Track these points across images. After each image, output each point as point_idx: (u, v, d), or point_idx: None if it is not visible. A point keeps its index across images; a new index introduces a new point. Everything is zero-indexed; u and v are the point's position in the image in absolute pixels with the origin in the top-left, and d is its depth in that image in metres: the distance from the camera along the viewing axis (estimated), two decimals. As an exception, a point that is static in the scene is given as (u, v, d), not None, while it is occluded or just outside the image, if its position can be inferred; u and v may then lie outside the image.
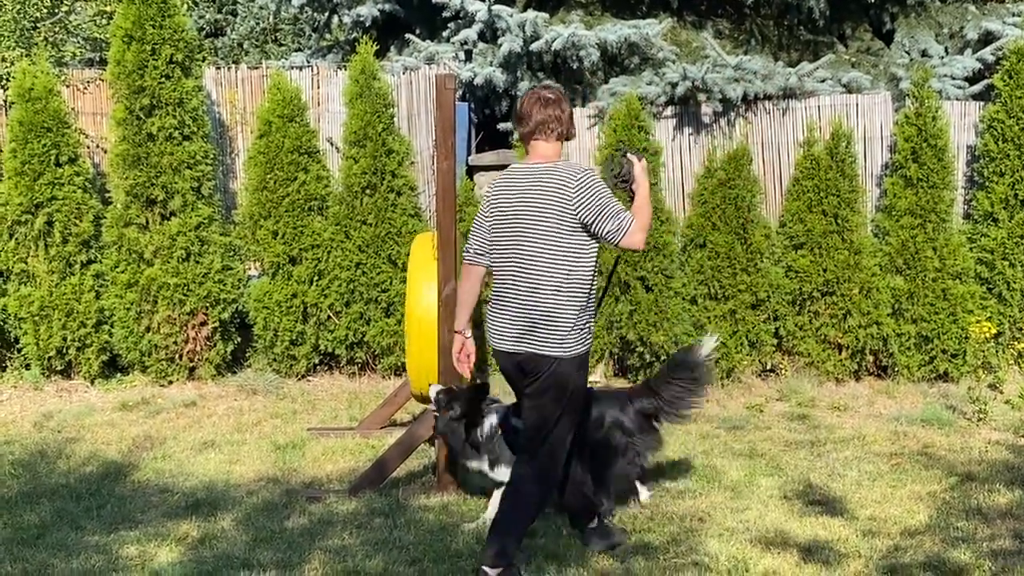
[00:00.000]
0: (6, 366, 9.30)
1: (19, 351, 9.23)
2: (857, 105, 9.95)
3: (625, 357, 9.23)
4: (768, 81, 9.93)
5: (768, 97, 9.98)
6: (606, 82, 10.52)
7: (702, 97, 9.88)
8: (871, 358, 9.24)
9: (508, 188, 5.20)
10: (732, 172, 9.17)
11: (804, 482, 6.55)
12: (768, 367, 9.31)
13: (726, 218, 9.12)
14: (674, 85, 9.88)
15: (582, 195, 5.00)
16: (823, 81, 10.26)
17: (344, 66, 11.01)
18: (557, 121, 5.17)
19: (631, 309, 8.98)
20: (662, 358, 9.01)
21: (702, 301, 9.16)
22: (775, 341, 9.25)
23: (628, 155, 5.42)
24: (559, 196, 5.02)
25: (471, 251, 5.28)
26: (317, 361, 9.46)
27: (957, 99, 9.93)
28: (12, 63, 10.43)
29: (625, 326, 9.01)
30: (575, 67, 10.46)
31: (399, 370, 9.34)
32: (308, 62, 12.10)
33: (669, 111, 10.03)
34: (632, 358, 9.14)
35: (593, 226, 5.00)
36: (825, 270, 9.11)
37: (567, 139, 5.27)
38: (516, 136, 10.31)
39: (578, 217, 5.00)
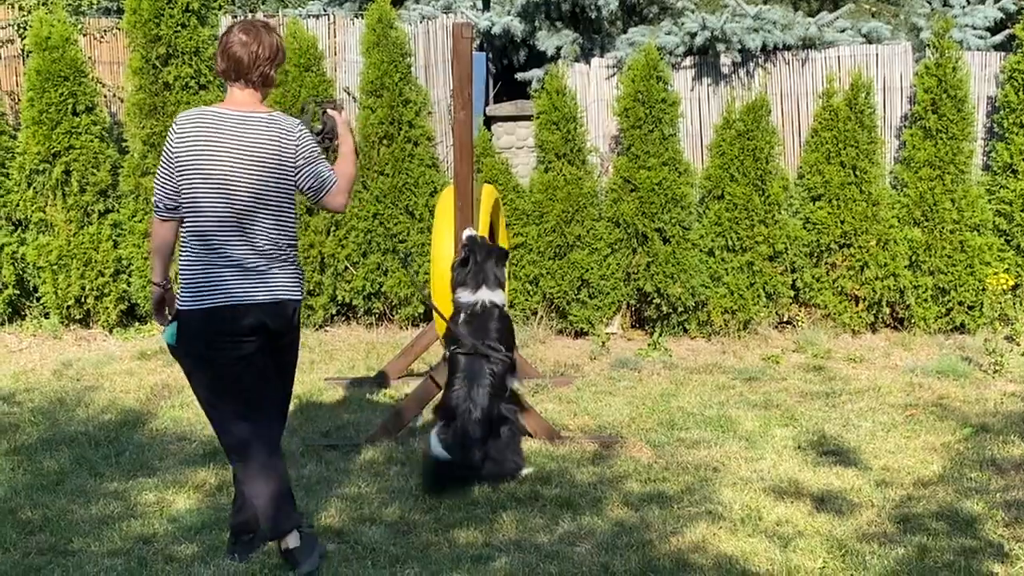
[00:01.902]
0: (25, 315, 9.37)
1: (38, 300, 9.30)
2: (877, 55, 9.85)
3: (642, 309, 9.23)
4: (788, 31, 9.84)
5: (787, 47, 9.90)
6: (624, 32, 10.44)
7: (721, 47, 9.80)
8: (888, 310, 9.22)
9: (218, 134, 4.63)
10: (751, 123, 9.12)
11: (818, 432, 6.56)
12: (785, 319, 9.31)
13: (744, 169, 9.08)
14: (693, 35, 9.80)
15: (300, 148, 4.67)
16: (843, 31, 10.16)
17: (361, 15, 10.94)
18: (243, 64, 4.67)
19: (648, 260, 8.98)
20: (679, 310, 9.01)
21: (719, 253, 9.14)
22: (792, 293, 9.24)
23: (328, 110, 5.08)
24: (276, 149, 4.64)
25: (162, 205, 4.71)
26: (334, 312, 9.50)
27: (978, 49, 9.82)
28: (29, 12, 10.41)
29: (642, 277, 9.00)
30: (593, 16, 10.37)
31: (416, 320, 9.38)
32: (324, 11, 12.02)
33: (688, 61, 9.96)
34: (649, 310, 9.14)
35: (299, 181, 4.70)
36: (843, 222, 9.08)
37: (267, 84, 4.76)
38: (532, 87, 10.27)
39: (295, 169, 4.67)
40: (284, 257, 4.72)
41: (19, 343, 8.95)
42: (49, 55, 8.97)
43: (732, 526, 5.12)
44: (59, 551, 4.84)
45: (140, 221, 9.00)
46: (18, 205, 9.14)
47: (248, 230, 4.63)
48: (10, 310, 9.34)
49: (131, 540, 4.96)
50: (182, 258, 4.66)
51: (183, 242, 4.68)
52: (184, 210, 4.65)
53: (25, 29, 10.35)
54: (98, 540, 4.96)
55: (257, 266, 4.64)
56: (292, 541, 4.63)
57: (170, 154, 4.66)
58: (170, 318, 4.77)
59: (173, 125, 4.71)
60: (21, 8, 10.71)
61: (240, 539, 4.83)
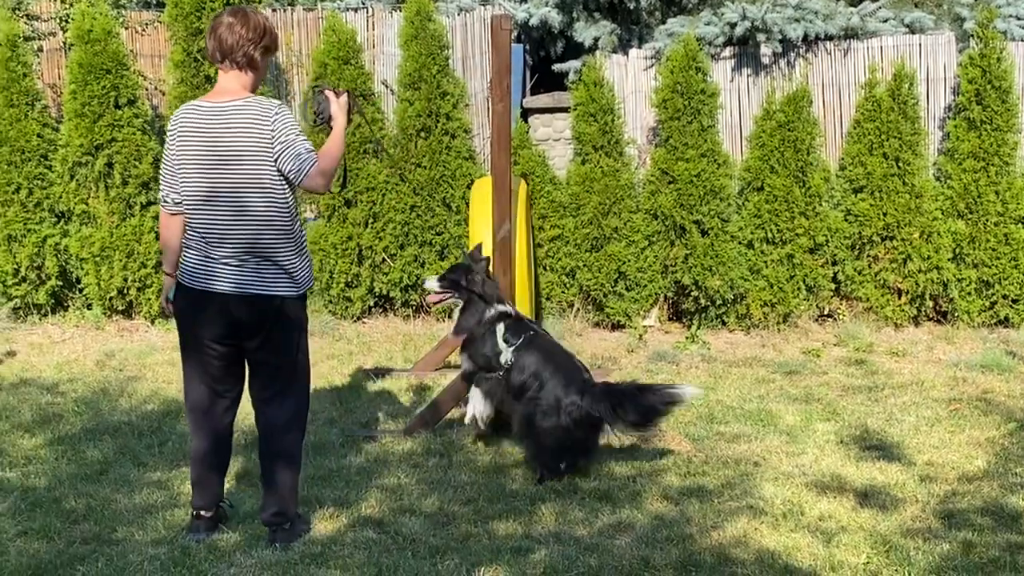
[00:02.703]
0: (68, 306, 9.45)
1: (81, 291, 9.37)
2: (920, 46, 9.78)
3: (680, 301, 9.19)
4: (829, 21, 9.78)
5: (829, 37, 9.84)
6: (663, 23, 10.41)
7: (761, 37, 9.76)
8: (931, 303, 9.14)
9: (201, 124, 4.74)
10: (791, 114, 9.05)
11: (861, 427, 6.51)
12: (826, 312, 9.25)
13: (784, 161, 9.01)
14: (733, 25, 9.76)
15: (277, 131, 4.66)
16: (885, 21, 10.10)
17: (399, 7, 10.96)
18: (220, 52, 4.77)
19: (686, 253, 8.94)
20: (717, 302, 8.97)
21: (759, 245, 9.08)
22: (833, 286, 9.17)
23: (325, 92, 5.06)
24: (255, 135, 4.67)
25: (167, 198, 4.86)
26: (372, 303, 9.52)
27: (1022, 40, 9.71)
28: (71, 5, 10.50)
29: (680, 270, 8.97)
30: (632, 7, 10.36)
31: (453, 313, 9.36)
32: (363, 3, 12.07)
33: (727, 52, 9.92)
34: (687, 302, 9.10)
35: (279, 164, 4.68)
36: (885, 214, 9.00)
37: (252, 66, 4.81)
38: (570, 78, 10.24)
39: (274, 152, 4.67)
40: (276, 247, 4.75)
41: (62, 334, 9.03)
42: (91, 48, 9.03)
43: (774, 521, 5.08)
44: (103, 540, 4.88)
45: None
46: (61, 197, 9.22)
47: (234, 222, 4.71)
48: (53, 301, 9.42)
49: (174, 529, 4.99)
50: (183, 242, 4.86)
51: (187, 224, 4.84)
52: (183, 195, 4.79)
53: (67, 22, 10.46)
54: (141, 529, 4.99)
55: (243, 260, 4.72)
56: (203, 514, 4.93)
57: (168, 150, 4.82)
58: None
59: (169, 122, 4.87)
60: (63, 1, 10.81)
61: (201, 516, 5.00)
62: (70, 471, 5.79)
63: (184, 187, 4.77)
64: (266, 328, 4.79)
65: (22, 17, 10.71)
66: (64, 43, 10.84)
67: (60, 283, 9.36)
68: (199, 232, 4.76)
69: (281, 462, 4.91)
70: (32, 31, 10.85)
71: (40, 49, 10.96)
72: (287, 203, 4.76)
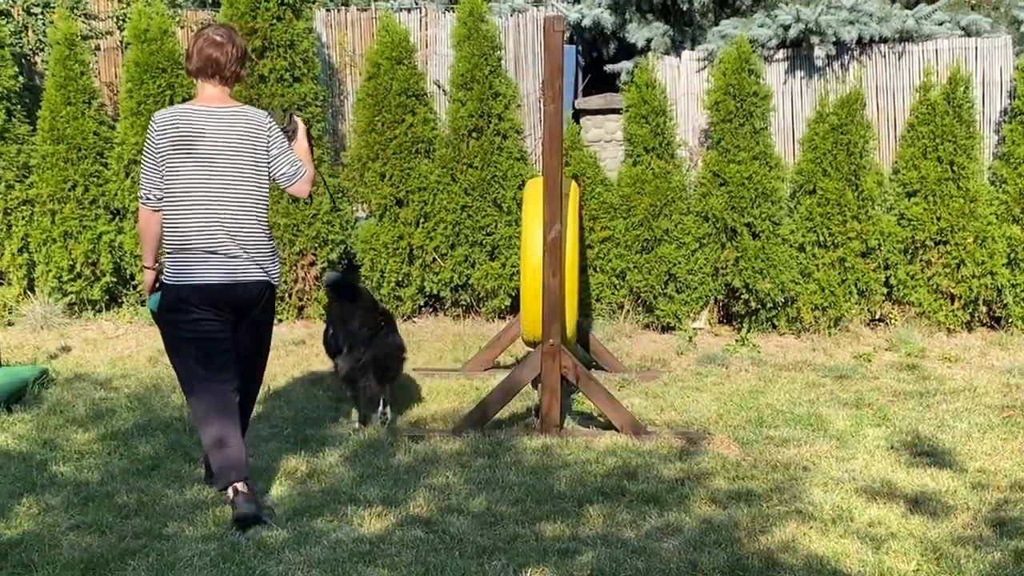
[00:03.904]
0: (122, 302, 9.57)
1: (134, 288, 9.49)
2: (976, 49, 9.67)
3: (730, 304, 9.16)
4: (884, 23, 9.70)
5: (883, 40, 9.76)
6: (716, 24, 10.37)
7: (815, 40, 9.69)
8: (984, 308, 9.03)
9: (193, 128, 5.15)
10: (844, 117, 8.98)
11: (912, 433, 6.45)
12: (877, 316, 9.17)
13: (837, 164, 8.94)
14: (787, 27, 9.70)
15: (271, 138, 5.25)
16: (941, 24, 9.99)
17: (452, 8, 10.99)
18: (218, 64, 5.22)
19: (737, 256, 8.89)
20: (767, 305, 8.92)
21: (810, 248, 9.02)
22: (885, 290, 9.09)
23: (294, 116, 5.54)
24: (248, 139, 5.19)
25: (149, 196, 5.19)
26: (422, 303, 9.56)
27: (1083, 43, 9.59)
28: (128, 4, 10.63)
29: (731, 272, 8.93)
30: (685, 8, 10.34)
31: (503, 313, 9.40)
32: (416, 4, 12.12)
33: (781, 54, 9.86)
34: (737, 305, 9.06)
35: (273, 167, 5.26)
36: (939, 218, 8.91)
37: (237, 80, 5.33)
38: (622, 79, 10.21)
39: (269, 156, 5.25)
40: (257, 242, 5.22)
41: (116, 330, 9.15)
42: (147, 47, 9.14)
43: (823, 526, 5.05)
44: (154, 535, 4.94)
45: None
46: (116, 194, 9.34)
47: (225, 216, 5.14)
48: (107, 297, 9.55)
49: (223, 526, 5.04)
50: (167, 238, 5.19)
51: (168, 225, 5.17)
52: (167, 199, 5.15)
53: (124, 21, 10.59)
54: (192, 525, 5.05)
55: (230, 251, 5.14)
56: (240, 487, 5.07)
57: (153, 149, 5.16)
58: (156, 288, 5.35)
59: (152, 123, 5.21)
60: (121, 1, 10.94)
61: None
62: (122, 466, 5.86)
63: (173, 183, 5.14)
64: (253, 312, 5.27)
65: (80, 16, 10.86)
66: (121, 42, 10.98)
67: (114, 279, 9.48)
68: (186, 225, 5.13)
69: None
70: (89, 30, 11.00)
71: (97, 48, 11.10)
72: (266, 200, 5.30)
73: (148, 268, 5.40)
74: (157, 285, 5.33)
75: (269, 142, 5.26)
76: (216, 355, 5.18)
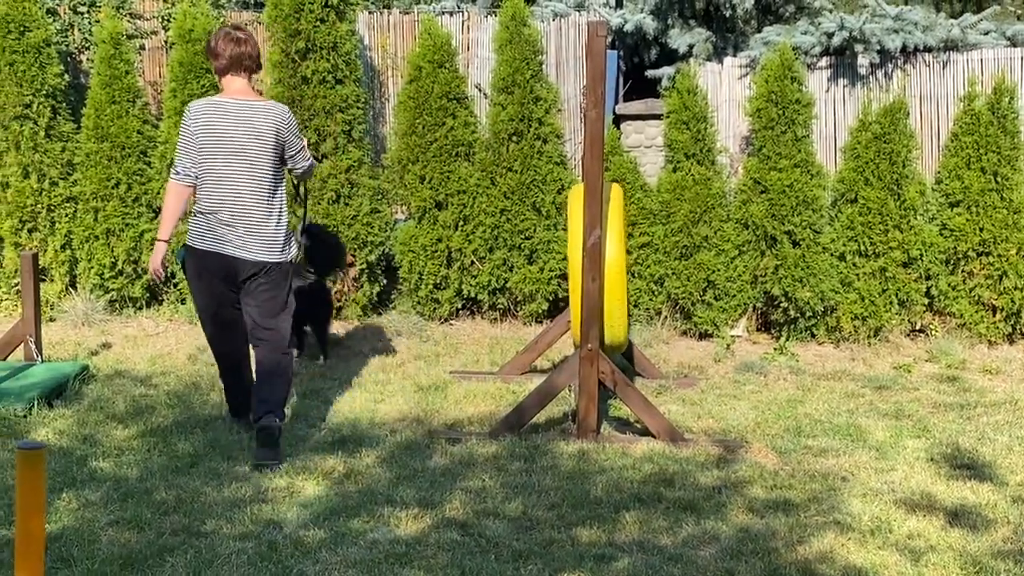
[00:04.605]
0: (163, 300, 9.64)
1: (175, 286, 9.55)
2: (1022, 59, 9.56)
3: (769, 312, 9.11)
4: (929, 32, 9.63)
5: (928, 49, 9.69)
6: (759, 31, 10.33)
7: (859, 48, 9.64)
8: (1027, 321, 8.94)
9: (225, 118, 6.05)
10: (887, 126, 8.91)
11: (952, 445, 6.39)
12: (918, 327, 9.09)
13: (879, 173, 8.88)
14: (830, 35, 9.65)
15: (291, 131, 6.22)
16: (986, 33, 9.91)
17: (494, 12, 11.01)
18: (249, 58, 6.18)
19: (777, 264, 8.85)
20: (807, 314, 8.87)
21: (851, 257, 8.96)
22: (926, 301, 9.01)
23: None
24: (271, 130, 6.09)
25: (185, 174, 6.08)
26: (460, 306, 9.57)
27: None
28: (173, 4, 10.72)
29: (770, 280, 8.88)
30: (728, 15, 10.30)
31: (540, 317, 9.40)
32: (458, 7, 12.15)
33: (824, 62, 9.81)
34: (776, 313, 9.01)
35: (289, 161, 6.28)
36: (982, 229, 8.82)
37: (257, 71, 6.29)
38: (663, 85, 10.19)
39: (288, 147, 6.22)
40: (267, 219, 6.10)
41: (156, 327, 9.22)
42: (192, 47, 9.21)
43: (861, 537, 5.02)
44: (192, 532, 4.97)
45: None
46: (159, 193, 9.41)
47: (247, 196, 6.05)
48: (148, 295, 9.63)
49: (261, 524, 5.07)
50: (196, 207, 6.13)
51: (199, 197, 6.09)
52: (200, 173, 6.05)
53: (169, 21, 10.68)
54: (230, 523, 5.08)
55: (248, 228, 6.04)
56: (265, 421, 5.99)
57: (190, 134, 6.05)
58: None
59: (188, 111, 6.09)
60: (166, 1, 11.04)
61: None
62: (161, 463, 5.91)
63: (206, 165, 6.03)
64: (257, 279, 6.14)
65: (125, 16, 10.96)
66: (165, 42, 11.06)
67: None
68: (213, 202, 6.05)
69: None
70: (135, 29, 11.10)
71: (142, 47, 11.20)
72: (283, 185, 6.27)
73: (162, 240, 6.24)
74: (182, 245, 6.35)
75: (289, 136, 6.19)
76: (215, 302, 6.21)
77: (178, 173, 6.09)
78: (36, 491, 2.94)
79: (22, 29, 9.39)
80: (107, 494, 5.40)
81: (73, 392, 7.15)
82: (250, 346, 6.38)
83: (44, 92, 9.47)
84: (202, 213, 6.10)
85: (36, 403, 6.73)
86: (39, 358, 7.70)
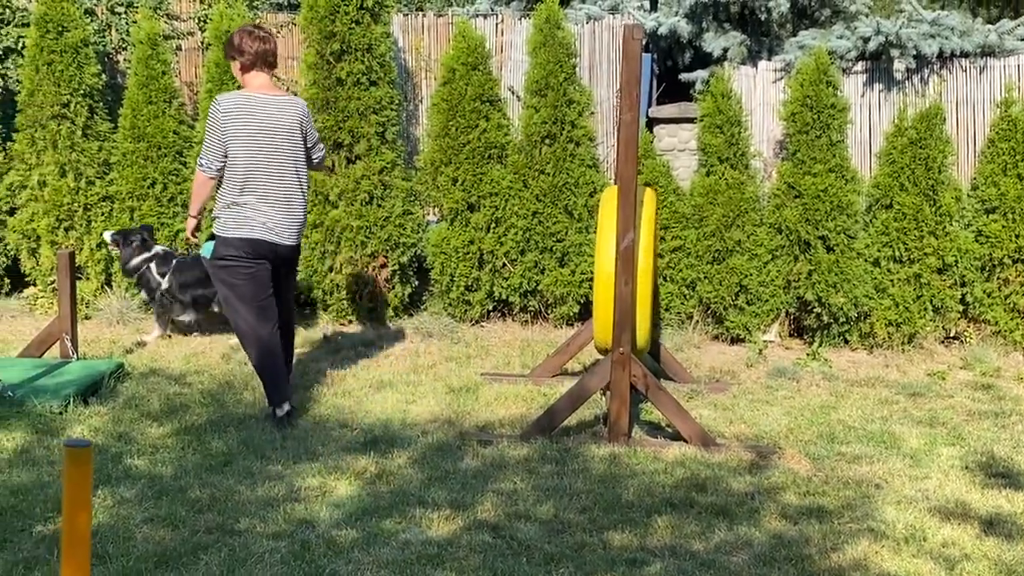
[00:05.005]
0: (196, 299, 9.68)
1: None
2: (1061, 65, 9.49)
3: (802, 317, 9.07)
4: (966, 38, 9.57)
5: (965, 54, 9.63)
6: (794, 35, 10.29)
7: (895, 53, 9.59)
8: (1063, 329, 8.86)
9: (258, 112, 6.49)
10: (923, 131, 8.85)
11: (987, 453, 6.35)
12: (952, 334, 9.03)
13: (915, 179, 8.82)
14: (866, 40, 9.61)
15: (310, 124, 6.79)
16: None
17: (528, 14, 11.02)
18: (272, 55, 6.64)
19: (810, 269, 8.81)
20: (840, 320, 8.83)
21: (885, 263, 8.91)
22: (961, 308, 8.95)
23: None
24: (298, 122, 6.62)
25: (212, 167, 6.49)
26: (491, 307, 9.58)
27: None
28: (210, 5, 10.78)
29: (803, 286, 8.84)
30: (763, 18, 10.26)
31: (571, 320, 9.39)
32: (492, 10, 12.16)
33: (859, 66, 9.76)
34: (809, 318, 8.97)
35: (308, 146, 6.78)
36: (1018, 236, 8.76)
37: (274, 69, 6.73)
38: (696, 88, 10.17)
39: (308, 139, 6.74)
40: (299, 207, 6.67)
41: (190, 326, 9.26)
42: (228, 49, 9.25)
43: (895, 545, 4.99)
44: (226, 530, 5.00)
45: (309, 212, 9.22)
46: (193, 193, 9.47)
47: (286, 186, 6.56)
48: (181, 294, 9.68)
49: (294, 523, 5.09)
50: (228, 200, 6.50)
51: (230, 189, 6.49)
52: (230, 169, 6.45)
53: (206, 22, 10.74)
54: (263, 521, 5.10)
55: (287, 215, 6.58)
56: (286, 408, 6.59)
57: (221, 127, 6.42)
58: (206, 239, 6.73)
59: (217, 107, 6.44)
60: (202, 2, 11.10)
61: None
62: (195, 461, 5.94)
63: (244, 158, 6.43)
64: (292, 262, 6.86)
65: (162, 16, 11.03)
66: (202, 43, 11.14)
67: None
68: (256, 193, 6.48)
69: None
70: (171, 30, 11.18)
71: (178, 48, 11.28)
72: (305, 172, 6.76)
73: (193, 216, 6.82)
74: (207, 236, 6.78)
75: (309, 127, 6.74)
76: (260, 289, 6.58)
77: (208, 168, 6.52)
78: (83, 488, 2.97)
79: (60, 29, 9.48)
80: (142, 491, 5.44)
81: (108, 390, 7.20)
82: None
83: (82, 92, 9.55)
84: (240, 205, 6.48)
85: (72, 400, 6.79)
86: (75, 356, 7.76)
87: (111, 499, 5.32)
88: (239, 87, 6.83)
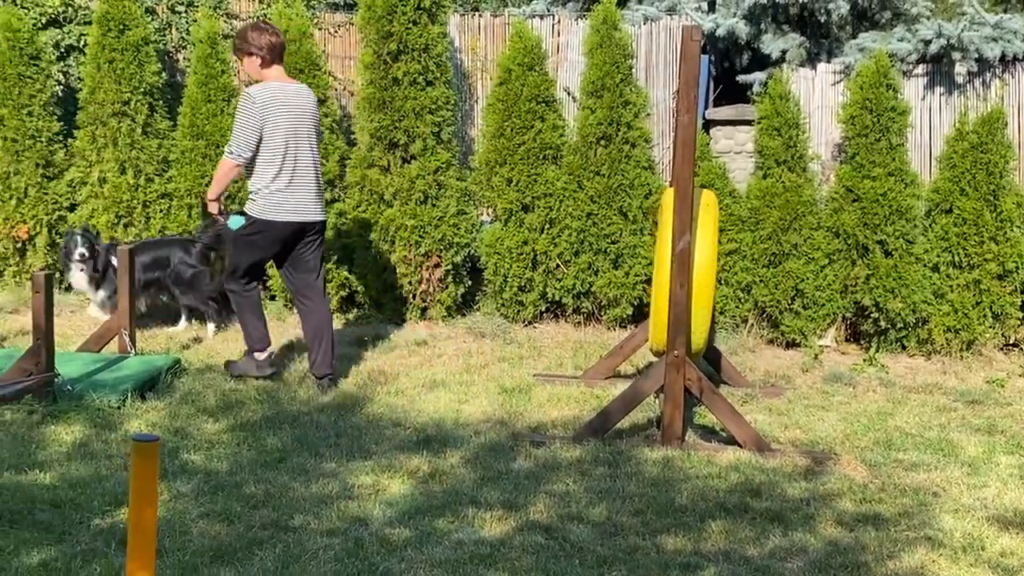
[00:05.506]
0: (252, 296, 9.75)
1: (264, 283, 9.67)
2: None
3: (858, 322, 8.97)
4: (1029, 41, 9.42)
5: (1028, 58, 9.47)
6: (854, 37, 10.19)
7: (956, 56, 9.46)
8: None
9: (289, 101, 7.05)
10: (985, 135, 8.73)
11: (1047, 463, 6.25)
12: (1011, 341, 8.90)
13: (976, 183, 8.70)
14: (927, 42, 9.49)
15: (317, 110, 7.40)
16: (1090, 42, 9.67)
17: (584, 15, 11.00)
18: (283, 47, 7.21)
19: (868, 273, 8.72)
20: (897, 325, 8.73)
21: (944, 269, 8.79)
22: (1021, 314, 8.82)
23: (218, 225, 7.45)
24: (315, 107, 7.29)
25: (243, 156, 6.97)
26: (544, 308, 9.57)
27: None
28: (269, 5, 10.86)
29: (861, 290, 8.75)
30: (823, 20, 10.16)
31: (624, 322, 9.36)
32: (549, 10, 12.15)
33: (920, 69, 9.65)
34: (866, 324, 8.88)
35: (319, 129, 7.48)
36: (1081, 242, 8.61)
37: (283, 61, 7.24)
38: (754, 90, 10.10)
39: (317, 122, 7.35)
40: (320, 184, 7.32)
41: (245, 323, 9.33)
42: (287, 48, 9.31)
43: (952, 554, 4.92)
44: (281, 526, 5.03)
45: (364, 211, 9.27)
46: (250, 191, 9.55)
47: (315, 165, 7.21)
48: (237, 291, 9.75)
49: (347, 521, 5.12)
50: (264, 184, 7.02)
51: (266, 174, 7.01)
52: (267, 155, 6.98)
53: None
54: (317, 518, 5.13)
55: (317, 191, 7.23)
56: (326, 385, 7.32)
57: (259, 117, 6.90)
58: (233, 215, 7.33)
59: (254, 97, 6.90)
60: (262, 1, 11.19)
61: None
62: (250, 457, 5.99)
63: (282, 144, 6.97)
64: (321, 231, 7.39)
65: (222, 16, 11.14)
66: (260, 42, 11.21)
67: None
68: (296, 175, 7.07)
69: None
70: (231, 29, 11.28)
71: (237, 47, 11.36)
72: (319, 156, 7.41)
73: (213, 200, 7.24)
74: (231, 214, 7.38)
75: (318, 112, 7.36)
76: (265, 259, 7.35)
77: (238, 156, 6.99)
78: (149, 482, 3.00)
79: (122, 28, 9.60)
80: (198, 486, 5.49)
81: (165, 385, 7.28)
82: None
83: (142, 90, 9.67)
84: (275, 190, 7.04)
85: (129, 395, 6.87)
86: (133, 351, 7.85)
87: (168, 493, 5.37)
88: (255, 82, 7.28)
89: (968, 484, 5.87)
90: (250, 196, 7.18)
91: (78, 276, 8.82)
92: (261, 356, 7.46)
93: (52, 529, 4.90)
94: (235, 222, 7.24)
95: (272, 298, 9.62)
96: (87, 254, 8.67)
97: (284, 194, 7.08)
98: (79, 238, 8.70)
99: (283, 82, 7.13)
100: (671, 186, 6.65)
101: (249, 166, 7.08)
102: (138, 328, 8.35)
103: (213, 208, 7.30)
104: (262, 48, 7.02)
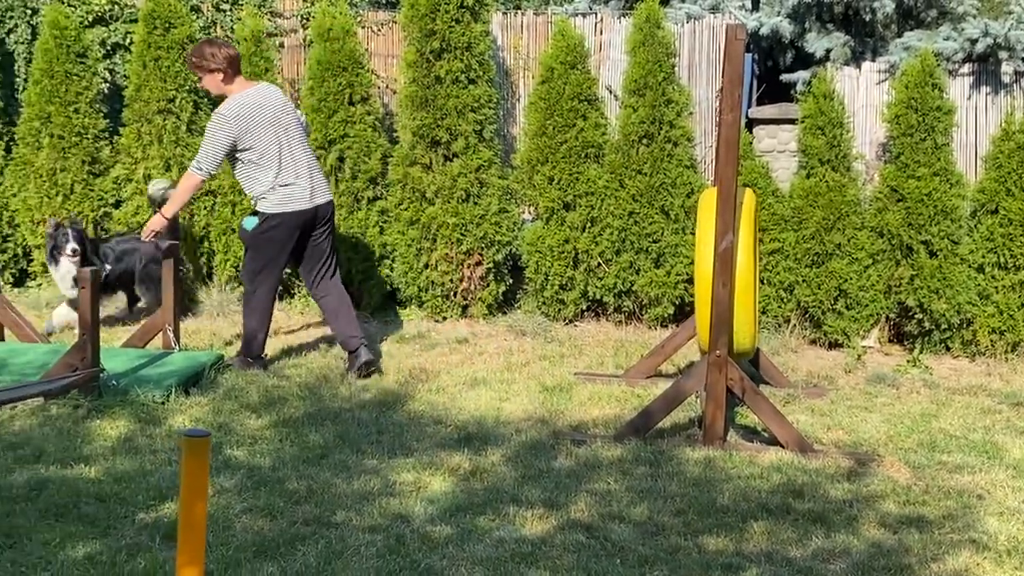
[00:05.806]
0: (295, 293, 9.82)
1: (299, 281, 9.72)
2: None
3: (902, 323, 8.90)
4: (1078, 40, 9.31)
5: (1077, 57, 9.36)
6: (899, 36, 10.10)
7: (1003, 55, 9.37)
8: None
9: (262, 103, 7.29)
10: (1032, 135, 8.63)
11: (1095, 467, 6.17)
12: (1059, 343, 8.79)
13: (1022, 184, 8.61)
14: (973, 41, 9.40)
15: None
16: None
17: (627, 13, 10.97)
18: (239, 57, 7.41)
19: (912, 274, 8.64)
20: (942, 326, 8.65)
21: (990, 270, 8.70)
22: (1068, 316, 8.71)
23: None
24: (286, 98, 7.55)
25: (211, 172, 7.30)
26: (585, 307, 9.56)
27: None
28: (313, 3, 10.92)
29: (905, 291, 8.68)
30: (867, 19, 10.09)
31: (666, 321, 9.33)
32: (591, 9, 12.13)
33: (966, 68, 9.56)
34: (909, 324, 8.81)
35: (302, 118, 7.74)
36: None
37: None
38: (797, 89, 10.03)
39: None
40: (319, 168, 7.61)
41: (288, 320, 9.39)
42: (330, 46, 9.38)
43: (997, 557, 4.88)
44: (323, 522, 5.06)
45: (406, 209, 9.31)
46: (293, 188, 9.60)
47: (301, 155, 7.37)
48: (281, 288, 9.81)
49: (389, 517, 5.14)
50: (268, 184, 7.24)
51: (266, 175, 7.25)
52: (262, 160, 7.21)
53: (308, 20, 10.89)
54: (359, 515, 5.16)
55: (314, 179, 7.41)
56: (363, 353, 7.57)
57: (233, 134, 7.13)
58: (246, 216, 7.57)
59: (226, 115, 7.12)
60: (306, 0, 11.25)
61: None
62: (292, 453, 6.03)
63: (274, 145, 7.22)
64: (331, 217, 7.62)
65: (266, 14, 11.20)
66: (304, 40, 11.29)
67: (288, 272, 9.73)
68: (297, 169, 7.32)
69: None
70: (275, 27, 11.35)
71: (281, 45, 11.44)
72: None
73: (167, 217, 7.49)
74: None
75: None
76: (285, 257, 7.46)
77: (205, 172, 7.28)
78: (200, 477, 3.04)
79: (167, 25, 9.68)
80: (241, 482, 5.53)
81: (209, 381, 7.34)
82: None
83: (187, 88, 9.75)
84: (284, 185, 7.28)
85: (173, 390, 6.93)
86: (177, 347, 7.92)
87: (211, 488, 5.40)
88: (219, 97, 7.49)
89: (1013, 487, 5.82)
90: (259, 198, 7.34)
91: (67, 271, 8.44)
92: (251, 366, 7.65)
93: (97, 523, 4.96)
94: (249, 223, 7.41)
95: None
96: (79, 249, 8.44)
97: (292, 187, 7.32)
98: (71, 232, 8.46)
99: (247, 89, 7.36)
100: (714, 185, 6.62)
101: (244, 178, 7.37)
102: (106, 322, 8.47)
103: (159, 225, 7.51)
104: (222, 63, 7.23)
